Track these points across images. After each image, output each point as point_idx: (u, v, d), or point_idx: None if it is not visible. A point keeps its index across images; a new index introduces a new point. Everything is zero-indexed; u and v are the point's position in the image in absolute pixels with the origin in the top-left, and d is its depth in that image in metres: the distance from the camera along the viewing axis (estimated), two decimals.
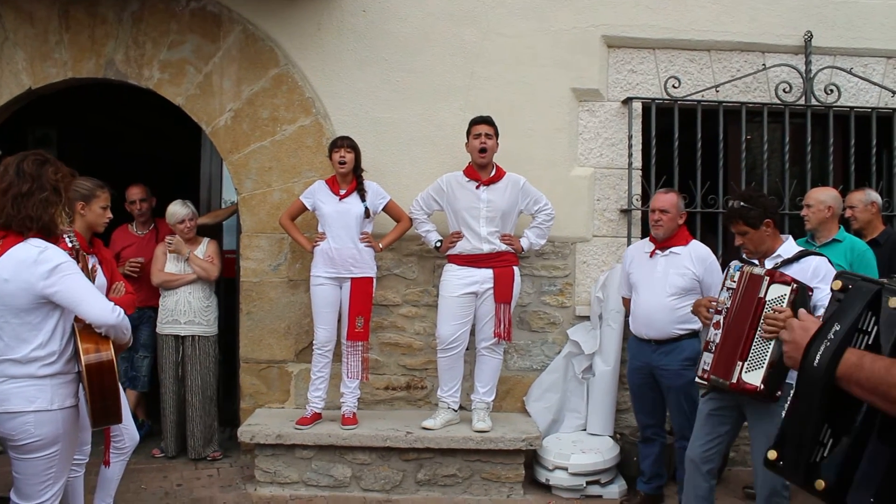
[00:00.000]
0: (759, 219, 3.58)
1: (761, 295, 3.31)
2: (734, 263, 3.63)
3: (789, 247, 3.65)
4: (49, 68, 5.23)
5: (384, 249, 5.05)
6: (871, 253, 4.51)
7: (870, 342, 1.49)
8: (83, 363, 2.80)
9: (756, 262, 3.67)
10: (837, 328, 1.50)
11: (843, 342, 1.49)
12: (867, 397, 1.46)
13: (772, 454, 1.61)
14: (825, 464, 1.51)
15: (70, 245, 3.33)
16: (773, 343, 3.26)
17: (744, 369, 3.32)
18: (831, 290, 1.63)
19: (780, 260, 3.60)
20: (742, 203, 3.62)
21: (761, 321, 3.30)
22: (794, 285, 3.28)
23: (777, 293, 3.28)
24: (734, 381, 3.36)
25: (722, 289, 3.60)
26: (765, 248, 3.66)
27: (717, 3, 5.43)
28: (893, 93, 5.51)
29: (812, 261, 3.56)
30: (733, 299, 3.50)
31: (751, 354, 3.32)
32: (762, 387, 3.28)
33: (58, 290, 2.81)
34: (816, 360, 1.49)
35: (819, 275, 3.48)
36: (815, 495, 1.55)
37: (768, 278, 3.31)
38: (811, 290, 3.35)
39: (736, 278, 3.50)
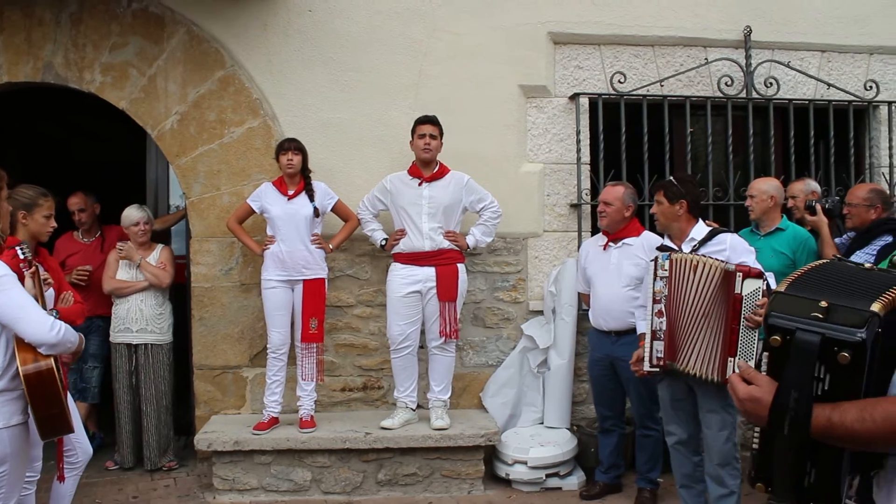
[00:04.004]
0: (677, 197, 3.86)
1: (738, 291, 3.48)
2: (661, 253, 3.81)
3: (700, 229, 3.92)
4: None
5: (335, 250, 5.03)
6: (814, 240, 4.64)
7: (825, 388, 1.48)
8: (21, 374, 2.72)
9: (674, 246, 3.90)
10: (796, 395, 1.47)
11: (806, 410, 1.46)
12: (849, 447, 1.48)
13: (759, 487, 1.60)
14: (813, 487, 1.54)
15: (23, 256, 3.23)
16: (757, 333, 3.45)
17: (736, 365, 3.46)
18: (770, 345, 1.54)
19: (695, 242, 3.85)
20: (671, 179, 3.99)
21: (742, 316, 3.47)
22: (764, 277, 3.51)
23: (752, 287, 3.47)
24: (728, 377, 3.44)
25: (655, 279, 3.79)
26: (676, 228, 3.93)
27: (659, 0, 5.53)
28: (829, 85, 5.69)
29: (726, 238, 3.85)
30: (669, 286, 3.72)
31: (740, 349, 3.48)
32: None
33: None
34: (786, 430, 1.48)
35: (737, 248, 3.79)
36: None
37: (741, 274, 3.49)
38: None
39: (667, 267, 3.72)
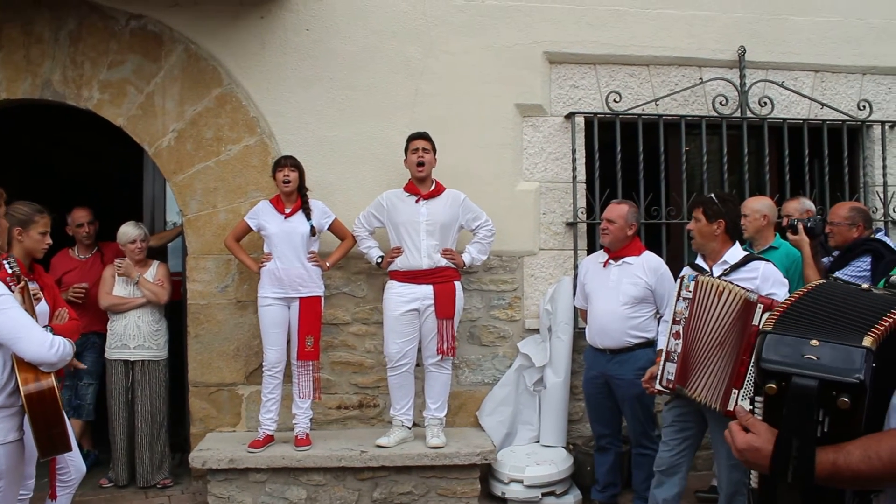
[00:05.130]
0: (716, 216, 3.79)
1: (756, 323, 3.34)
2: (688, 273, 3.75)
3: (735, 252, 3.83)
4: None
5: (331, 268, 5.03)
6: None
7: (825, 430, 1.43)
8: (22, 394, 2.72)
9: (706, 267, 3.80)
10: (797, 444, 1.41)
11: (809, 457, 1.41)
12: (855, 488, 1.45)
13: None
14: None
15: (10, 271, 3.22)
16: None
17: (740, 397, 3.36)
18: (766, 393, 1.48)
19: (727, 266, 3.77)
20: (712, 196, 3.89)
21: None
22: None
23: None
24: (731, 408, 3.39)
25: (678, 299, 3.72)
26: (711, 248, 3.84)
27: (655, 20, 5.58)
28: (822, 105, 5.73)
29: (759, 266, 3.74)
30: (691, 309, 3.64)
31: (747, 382, 3.35)
32: None
33: None
34: (790, 477, 1.43)
35: (769, 279, 3.67)
36: None
37: (762, 306, 3.35)
38: None
39: (691, 288, 3.62)
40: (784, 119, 5.65)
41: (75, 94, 5.13)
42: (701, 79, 5.64)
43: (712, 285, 3.59)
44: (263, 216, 4.87)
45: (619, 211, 4.56)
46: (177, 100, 5.18)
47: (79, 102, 5.14)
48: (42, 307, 3.52)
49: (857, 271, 4.19)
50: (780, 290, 3.65)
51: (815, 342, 1.46)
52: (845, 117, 5.73)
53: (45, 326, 3.08)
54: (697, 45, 5.63)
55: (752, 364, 3.34)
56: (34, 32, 5.10)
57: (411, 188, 4.94)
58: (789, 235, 4.62)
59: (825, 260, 4.63)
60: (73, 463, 3.65)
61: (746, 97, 5.62)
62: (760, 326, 3.28)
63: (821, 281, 1.71)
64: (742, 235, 4.51)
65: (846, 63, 5.83)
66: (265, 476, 4.72)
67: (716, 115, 5.59)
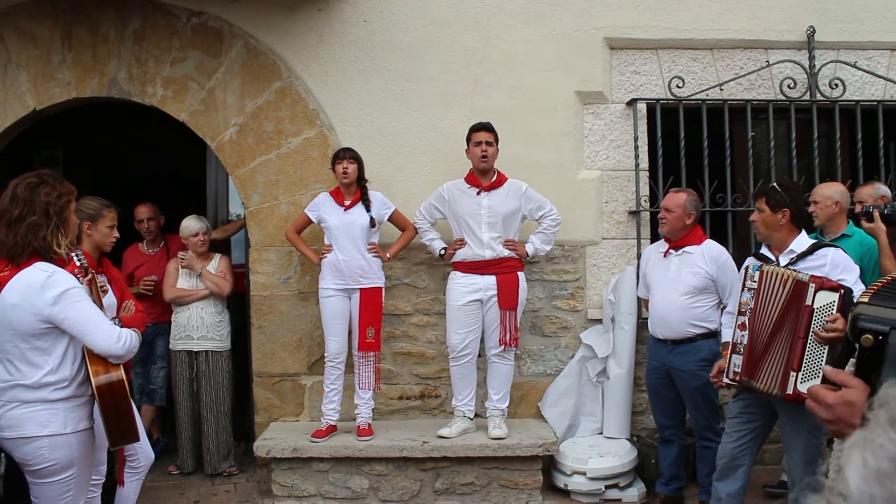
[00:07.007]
0: (780, 205, 3.65)
1: (808, 303, 3.30)
2: (752, 263, 3.65)
3: (802, 241, 3.70)
4: (53, 88, 5.23)
5: (391, 259, 5.04)
6: None
7: None
8: (94, 385, 2.79)
9: (772, 256, 3.69)
10: None
11: None
12: None
13: None
14: None
15: (78, 263, 3.30)
16: (826, 349, 3.26)
17: (798, 379, 3.30)
18: (861, 345, 1.48)
19: (794, 255, 3.65)
20: (774, 185, 3.76)
21: (811, 329, 3.28)
22: (842, 290, 3.29)
23: (825, 300, 3.28)
24: (790, 392, 3.33)
25: (743, 289, 3.61)
26: (776, 238, 3.71)
27: (717, 2, 5.42)
28: None
29: (828, 252, 3.61)
30: (756, 299, 3.53)
31: (804, 364, 3.29)
32: None
33: (65, 317, 2.79)
34: None
35: (839, 265, 3.55)
36: None
37: (814, 285, 3.30)
38: (850, 290, 3.36)
39: (756, 278, 3.53)
40: (857, 101, 5.43)
41: (140, 90, 5.24)
42: (767, 61, 5.46)
43: (779, 274, 3.49)
44: (323, 208, 4.90)
45: (676, 200, 4.46)
46: (237, 94, 5.25)
47: (143, 99, 5.25)
48: (110, 299, 3.62)
49: None
50: (850, 275, 3.53)
51: None
52: None
53: (112, 318, 3.16)
54: (763, 27, 5.45)
55: (809, 344, 3.27)
56: (101, 32, 5.23)
57: (472, 179, 4.90)
58: (864, 223, 4.42)
59: None
60: (143, 450, 3.73)
61: (816, 79, 5.43)
62: (815, 305, 3.24)
63: None
64: (811, 222, 4.36)
65: None
66: (328, 465, 4.76)
67: (783, 98, 5.41)
